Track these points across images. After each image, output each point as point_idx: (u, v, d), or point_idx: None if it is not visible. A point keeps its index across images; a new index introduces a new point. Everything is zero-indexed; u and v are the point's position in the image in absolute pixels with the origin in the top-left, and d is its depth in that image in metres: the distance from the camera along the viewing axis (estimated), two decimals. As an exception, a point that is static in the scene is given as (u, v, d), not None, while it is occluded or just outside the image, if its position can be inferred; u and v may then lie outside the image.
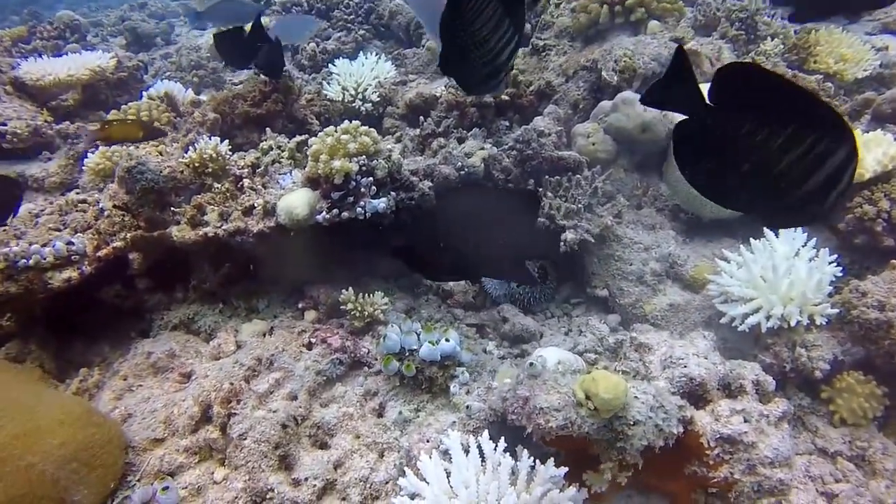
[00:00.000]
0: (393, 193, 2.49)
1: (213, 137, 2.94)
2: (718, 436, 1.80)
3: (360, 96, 3.97)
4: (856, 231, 2.61)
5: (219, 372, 2.25)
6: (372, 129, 2.43)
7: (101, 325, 2.73)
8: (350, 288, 2.55)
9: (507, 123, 3.59)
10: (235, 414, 2.07)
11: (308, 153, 2.41)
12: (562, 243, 2.71)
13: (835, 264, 2.37)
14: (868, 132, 2.77)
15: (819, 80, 3.23)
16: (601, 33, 3.58)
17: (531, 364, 1.91)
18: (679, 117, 1.41)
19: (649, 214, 3.07)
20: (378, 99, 4.00)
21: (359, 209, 2.39)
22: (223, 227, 2.39)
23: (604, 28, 3.54)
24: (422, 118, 3.14)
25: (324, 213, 2.38)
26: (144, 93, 4.02)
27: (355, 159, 2.36)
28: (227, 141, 2.99)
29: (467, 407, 2.04)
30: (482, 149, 2.78)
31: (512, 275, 2.75)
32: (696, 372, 1.85)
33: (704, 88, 1.38)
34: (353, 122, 2.44)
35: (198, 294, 2.65)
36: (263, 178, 2.91)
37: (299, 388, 2.18)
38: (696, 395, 1.87)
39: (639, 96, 3.03)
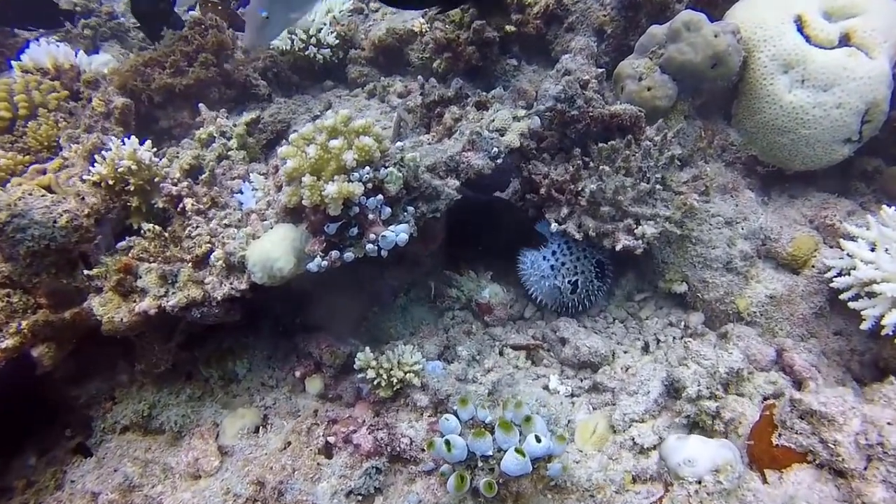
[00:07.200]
0: (411, 208, 1.67)
1: (129, 138, 1.98)
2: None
3: (313, 40, 2.96)
4: None
5: (204, 514, 1.50)
6: (371, 122, 1.55)
7: (17, 428, 1.90)
8: (367, 348, 1.78)
9: (516, 62, 2.70)
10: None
11: (282, 172, 1.53)
12: (633, 240, 1.96)
13: None
14: None
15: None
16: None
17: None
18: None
19: (719, 171, 2.33)
20: (336, 41, 3.01)
21: (369, 245, 1.56)
22: (170, 302, 1.54)
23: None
24: (420, 78, 2.22)
25: (318, 258, 1.55)
26: (13, 63, 2.87)
27: (356, 173, 1.51)
28: (148, 141, 2.04)
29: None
30: (517, 118, 1.93)
31: None
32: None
33: None
34: (341, 112, 1.55)
35: (150, 377, 1.82)
36: (210, 189, 2.01)
37: (330, 530, 1.45)
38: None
39: (704, 16, 2.19)
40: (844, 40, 2.15)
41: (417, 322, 2.18)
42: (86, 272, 1.63)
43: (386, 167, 1.56)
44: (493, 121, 1.90)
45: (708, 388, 1.72)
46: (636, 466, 1.70)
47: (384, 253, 1.58)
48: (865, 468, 1.29)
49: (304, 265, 1.57)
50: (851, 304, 1.85)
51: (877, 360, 1.90)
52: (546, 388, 2.02)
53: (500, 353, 2.14)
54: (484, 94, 2.05)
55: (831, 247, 2.13)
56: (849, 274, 1.88)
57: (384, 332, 2.07)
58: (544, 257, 2.13)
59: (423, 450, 1.63)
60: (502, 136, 1.87)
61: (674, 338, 2.11)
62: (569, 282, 2.07)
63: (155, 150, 2.03)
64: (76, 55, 2.79)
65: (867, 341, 1.95)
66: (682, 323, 2.15)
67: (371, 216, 1.55)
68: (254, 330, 2.07)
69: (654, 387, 1.84)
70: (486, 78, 2.72)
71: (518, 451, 1.38)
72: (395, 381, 1.72)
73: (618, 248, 1.95)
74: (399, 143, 1.65)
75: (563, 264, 2.08)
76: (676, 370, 1.82)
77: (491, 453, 1.45)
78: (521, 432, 1.50)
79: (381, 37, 2.96)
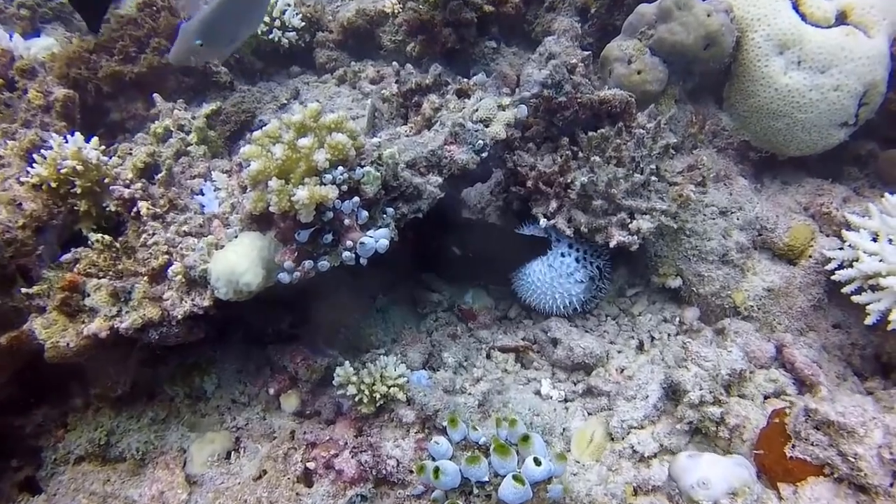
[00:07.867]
0: (391, 210, 1.51)
1: (73, 134, 1.77)
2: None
3: (277, 22, 2.74)
4: None
5: (171, 556, 1.34)
6: (345, 117, 1.39)
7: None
8: (346, 362, 1.63)
9: (495, 45, 2.54)
10: None
11: (245, 174, 1.36)
12: (628, 236, 1.84)
13: None
14: None
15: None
16: None
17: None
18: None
19: (711, 158, 2.22)
20: (302, 24, 2.79)
21: (346, 253, 1.41)
22: (124, 323, 1.37)
23: None
24: (395, 64, 2.04)
25: (289, 269, 1.39)
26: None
27: (329, 175, 1.34)
28: (95, 138, 1.83)
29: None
30: (502, 107, 1.77)
31: None
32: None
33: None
34: (310, 105, 1.37)
35: (107, 400, 1.65)
36: (168, 190, 1.82)
37: (313, 570, 1.32)
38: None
39: (696, -6, 2.06)
40: (841, 18, 2.05)
41: (399, 327, 2.04)
42: (24, 290, 1.44)
43: (362, 166, 1.40)
44: (477, 110, 1.74)
45: (711, 392, 1.62)
46: (637, 477, 1.60)
47: (363, 261, 1.43)
48: (891, 485, 1.20)
49: (273, 277, 1.41)
50: (855, 299, 1.76)
51: (878, 353, 1.83)
52: (538, 393, 1.90)
53: (488, 357, 2.01)
54: (465, 80, 1.89)
55: (828, 235, 2.04)
56: (851, 266, 1.79)
57: (364, 339, 1.92)
58: (563, 253, 1.96)
59: (411, 472, 1.50)
60: (487, 126, 1.71)
61: (669, 335, 2.01)
62: (596, 266, 1.94)
63: (104, 147, 1.83)
64: (10, 38, 2.53)
65: (867, 334, 1.87)
66: (677, 319, 2.05)
67: (347, 221, 1.39)
68: (221, 341, 1.90)
69: (652, 391, 1.74)
70: (463, 61, 2.55)
71: (517, 478, 1.26)
72: (378, 396, 1.58)
73: (612, 244, 1.82)
74: (375, 139, 1.49)
75: (585, 251, 1.95)
76: (676, 373, 1.72)
77: (487, 479, 1.32)
78: (518, 452, 1.38)
79: (349, 18, 2.76)
